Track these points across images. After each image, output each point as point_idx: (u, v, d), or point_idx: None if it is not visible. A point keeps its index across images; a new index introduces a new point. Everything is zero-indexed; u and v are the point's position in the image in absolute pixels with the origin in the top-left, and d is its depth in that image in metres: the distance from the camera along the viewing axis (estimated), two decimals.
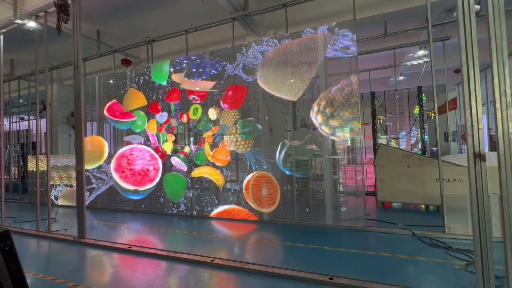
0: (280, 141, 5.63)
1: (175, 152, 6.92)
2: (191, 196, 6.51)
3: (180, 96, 6.90)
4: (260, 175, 5.74)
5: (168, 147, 7.01)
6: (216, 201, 6.25)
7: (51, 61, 8.92)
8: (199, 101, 6.58)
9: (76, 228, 4.86)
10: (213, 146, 6.35)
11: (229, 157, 6.19)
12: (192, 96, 6.64)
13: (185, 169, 6.63)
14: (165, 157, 6.99)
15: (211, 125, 6.42)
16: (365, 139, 10.24)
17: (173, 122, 7.04)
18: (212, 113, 6.36)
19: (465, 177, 5.24)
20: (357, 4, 5.21)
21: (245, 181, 5.84)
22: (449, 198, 4.34)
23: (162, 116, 7.16)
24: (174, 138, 6.99)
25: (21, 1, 6.34)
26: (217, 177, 6.25)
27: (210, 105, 6.44)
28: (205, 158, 6.42)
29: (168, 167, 6.97)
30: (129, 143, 7.58)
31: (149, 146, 7.23)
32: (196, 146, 6.64)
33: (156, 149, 7.13)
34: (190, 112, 6.73)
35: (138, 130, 7.55)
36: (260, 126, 5.82)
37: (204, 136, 6.48)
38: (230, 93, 6.17)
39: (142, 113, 7.50)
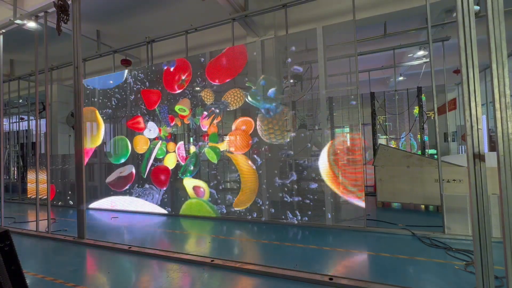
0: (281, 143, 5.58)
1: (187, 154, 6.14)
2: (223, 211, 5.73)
3: (159, 96, 6.31)
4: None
5: (171, 160, 6.32)
6: (294, 215, 5.22)
7: (51, 61, 8.92)
8: (186, 75, 6.08)
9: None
10: (220, 134, 5.80)
11: (251, 141, 5.42)
12: (180, 80, 6.07)
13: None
14: (168, 179, 6.30)
15: (205, 112, 5.87)
16: (364, 141, 10.24)
17: (168, 130, 6.37)
18: (205, 96, 5.76)
19: (465, 177, 5.25)
20: (357, 4, 5.22)
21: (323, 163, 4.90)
22: (449, 198, 4.34)
23: (151, 131, 6.47)
24: (175, 147, 6.36)
25: (21, 2, 6.34)
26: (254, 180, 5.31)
27: (200, 87, 6.00)
28: (218, 152, 5.80)
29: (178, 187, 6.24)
30: (116, 183, 6.85)
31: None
32: (201, 144, 6.02)
33: (161, 169, 6.41)
34: (176, 110, 6.18)
35: (123, 160, 6.84)
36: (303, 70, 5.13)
37: (205, 123, 5.90)
38: (224, 60, 5.63)
39: (120, 137, 6.83)
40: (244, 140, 5.57)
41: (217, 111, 5.84)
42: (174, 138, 6.72)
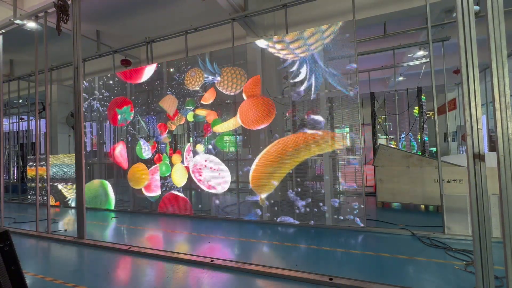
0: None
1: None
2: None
3: (127, 100, 5.56)
4: None
5: (180, 174, 5.24)
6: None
7: (51, 62, 8.92)
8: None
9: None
10: (223, 117, 4.93)
11: (271, 106, 4.13)
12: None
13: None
14: (186, 210, 5.14)
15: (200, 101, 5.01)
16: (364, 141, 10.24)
17: (165, 139, 5.50)
18: (191, 80, 4.87)
19: (465, 177, 5.24)
20: (357, 4, 5.22)
21: None
22: (449, 198, 4.34)
23: (146, 150, 5.68)
24: (180, 157, 5.47)
25: (21, 2, 6.34)
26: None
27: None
28: (229, 136, 4.85)
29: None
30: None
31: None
32: (207, 138, 5.19)
33: (170, 199, 5.42)
34: (161, 105, 5.47)
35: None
36: None
37: (202, 113, 5.13)
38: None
39: (99, 184, 5.86)
40: (263, 107, 4.19)
41: (217, 78, 5.07)
42: (173, 142, 6.06)
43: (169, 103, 5.68)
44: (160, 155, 5.74)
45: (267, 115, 4.41)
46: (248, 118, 4.63)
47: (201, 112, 5.25)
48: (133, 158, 6.50)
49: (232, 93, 5.00)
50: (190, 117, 5.62)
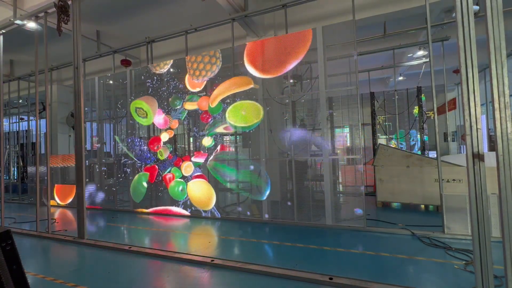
0: (280, 142, 5.58)
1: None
2: None
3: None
4: None
5: (199, 188, 4.38)
6: None
7: (51, 62, 8.92)
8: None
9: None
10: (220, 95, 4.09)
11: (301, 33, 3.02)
12: None
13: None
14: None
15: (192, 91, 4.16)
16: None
17: (163, 153, 4.65)
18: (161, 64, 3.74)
19: (464, 177, 5.25)
20: (357, 4, 5.22)
21: None
22: (449, 198, 4.34)
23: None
24: (191, 166, 4.73)
25: (21, 2, 6.33)
26: None
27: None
28: (243, 116, 3.91)
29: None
30: None
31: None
32: (208, 128, 4.54)
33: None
34: (133, 111, 4.96)
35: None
36: None
37: (192, 107, 4.37)
38: None
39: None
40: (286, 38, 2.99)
41: None
42: (174, 145, 5.66)
43: (148, 103, 5.14)
44: (173, 174, 4.85)
45: (297, 47, 3.01)
46: (267, 60, 3.27)
47: (191, 106, 4.48)
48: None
49: (198, 79, 3.97)
50: (183, 115, 5.20)
